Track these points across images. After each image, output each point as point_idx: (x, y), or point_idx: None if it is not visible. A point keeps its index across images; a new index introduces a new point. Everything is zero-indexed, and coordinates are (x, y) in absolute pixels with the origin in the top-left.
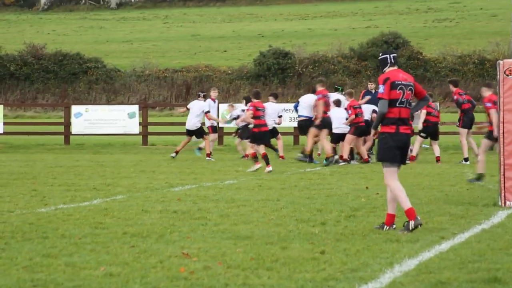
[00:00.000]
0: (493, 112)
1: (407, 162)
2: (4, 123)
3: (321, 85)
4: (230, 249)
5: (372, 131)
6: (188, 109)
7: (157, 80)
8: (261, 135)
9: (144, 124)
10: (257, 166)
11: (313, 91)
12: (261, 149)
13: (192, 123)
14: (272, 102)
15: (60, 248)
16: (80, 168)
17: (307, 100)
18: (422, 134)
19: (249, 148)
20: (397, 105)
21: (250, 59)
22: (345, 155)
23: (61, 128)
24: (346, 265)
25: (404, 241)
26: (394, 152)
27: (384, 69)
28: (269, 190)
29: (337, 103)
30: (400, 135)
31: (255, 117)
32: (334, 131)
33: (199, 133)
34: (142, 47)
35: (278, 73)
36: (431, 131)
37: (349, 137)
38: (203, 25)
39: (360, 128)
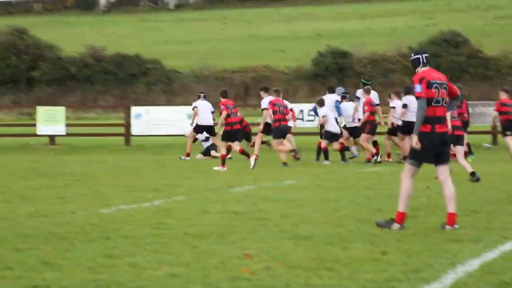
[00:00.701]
0: None
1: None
2: (66, 125)
3: (265, 93)
4: (291, 249)
5: (414, 139)
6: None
7: (216, 81)
8: (234, 133)
9: None
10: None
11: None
12: (236, 146)
13: (206, 119)
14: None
15: (122, 248)
16: (141, 169)
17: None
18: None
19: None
20: (432, 104)
21: (308, 59)
22: (370, 154)
23: (121, 130)
24: (407, 266)
25: (466, 241)
26: (425, 152)
27: (417, 69)
28: (329, 190)
29: (320, 103)
30: (435, 134)
31: (227, 115)
32: (328, 129)
33: (211, 131)
34: (200, 48)
35: (336, 73)
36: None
37: (364, 136)
38: (260, 25)
39: (375, 126)
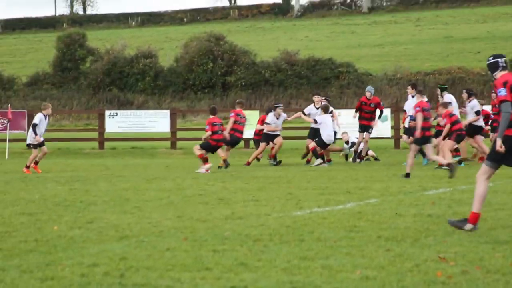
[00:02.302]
0: None
1: None
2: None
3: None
4: (488, 254)
5: (498, 142)
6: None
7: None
8: (215, 148)
9: (396, 127)
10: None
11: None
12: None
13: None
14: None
15: (316, 251)
16: (333, 172)
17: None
18: None
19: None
20: None
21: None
22: (445, 161)
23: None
24: None
25: None
26: (503, 155)
27: (495, 73)
28: None
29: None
30: None
31: (212, 132)
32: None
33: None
34: (393, 51)
35: None
36: None
37: (449, 142)
38: (455, 26)
39: (461, 136)
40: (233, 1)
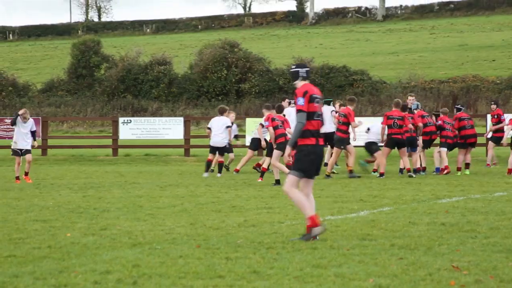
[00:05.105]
0: None
1: None
2: None
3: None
4: (501, 263)
5: (287, 150)
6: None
7: (423, 92)
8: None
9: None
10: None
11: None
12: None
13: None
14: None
15: (329, 259)
16: (347, 180)
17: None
18: None
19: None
20: None
21: None
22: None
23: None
24: None
25: None
26: (311, 165)
27: (295, 82)
28: None
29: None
30: None
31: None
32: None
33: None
34: (408, 59)
35: None
36: None
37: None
38: (470, 34)
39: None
40: (247, 9)
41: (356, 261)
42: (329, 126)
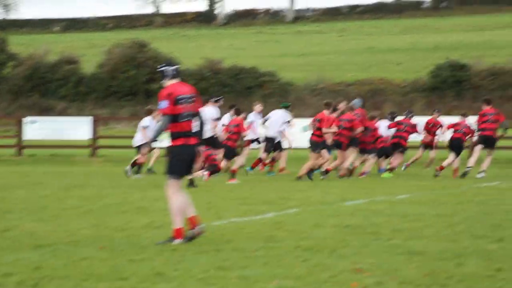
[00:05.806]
0: None
1: None
2: None
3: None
4: (403, 265)
5: (144, 150)
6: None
7: (331, 94)
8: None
9: None
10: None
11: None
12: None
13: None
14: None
15: (234, 261)
16: (256, 181)
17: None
18: None
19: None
20: None
21: (426, 71)
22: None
23: None
24: None
25: None
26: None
27: (163, 81)
28: (443, 205)
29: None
30: None
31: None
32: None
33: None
34: (316, 61)
35: (453, 86)
36: None
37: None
38: (378, 37)
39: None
40: (157, 9)
41: (260, 263)
42: (276, 129)
